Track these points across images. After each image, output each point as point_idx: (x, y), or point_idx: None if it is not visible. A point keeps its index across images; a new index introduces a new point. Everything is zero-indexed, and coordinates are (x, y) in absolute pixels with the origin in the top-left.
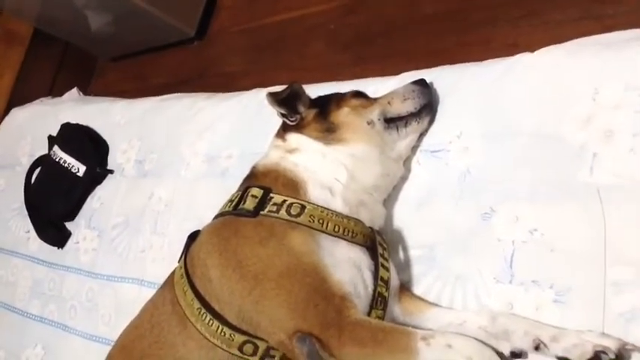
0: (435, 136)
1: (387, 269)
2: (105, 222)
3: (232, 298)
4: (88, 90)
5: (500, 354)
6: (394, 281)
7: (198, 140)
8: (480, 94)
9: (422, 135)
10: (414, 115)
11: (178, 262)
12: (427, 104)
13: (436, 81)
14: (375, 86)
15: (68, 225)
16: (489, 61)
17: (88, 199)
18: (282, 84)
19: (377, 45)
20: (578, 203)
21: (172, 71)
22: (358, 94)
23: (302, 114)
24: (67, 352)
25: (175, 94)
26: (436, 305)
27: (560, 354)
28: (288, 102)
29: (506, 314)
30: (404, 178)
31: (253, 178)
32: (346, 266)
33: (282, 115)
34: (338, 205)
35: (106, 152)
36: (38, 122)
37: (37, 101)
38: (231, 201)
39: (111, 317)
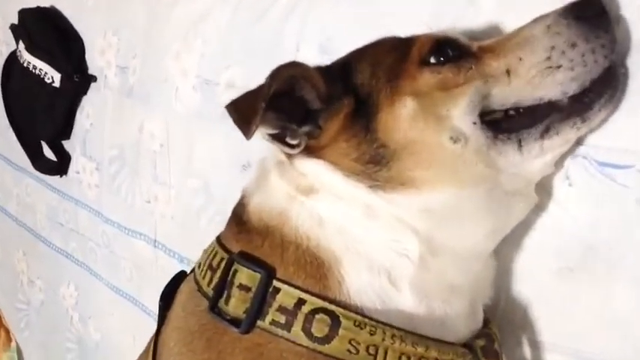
0: (607, 134)
1: None
2: (99, 151)
3: None
4: None
5: None
6: None
7: (185, 51)
8: None
9: None
10: (571, 109)
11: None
12: (602, 77)
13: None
14: None
15: (66, 145)
16: None
17: (78, 114)
18: None
19: None
20: None
21: None
22: (440, 48)
23: (320, 123)
24: (96, 299)
25: None
26: None
27: None
28: (277, 106)
29: None
30: (537, 208)
31: (243, 231)
32: None
33: (273, 138)
34: (406, 302)
35: (81, 51)
36: None
37: None
38: (211, 268)
39: (132, 274)
